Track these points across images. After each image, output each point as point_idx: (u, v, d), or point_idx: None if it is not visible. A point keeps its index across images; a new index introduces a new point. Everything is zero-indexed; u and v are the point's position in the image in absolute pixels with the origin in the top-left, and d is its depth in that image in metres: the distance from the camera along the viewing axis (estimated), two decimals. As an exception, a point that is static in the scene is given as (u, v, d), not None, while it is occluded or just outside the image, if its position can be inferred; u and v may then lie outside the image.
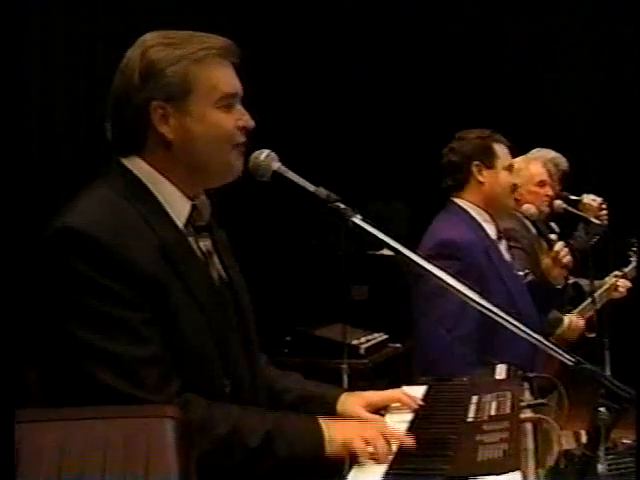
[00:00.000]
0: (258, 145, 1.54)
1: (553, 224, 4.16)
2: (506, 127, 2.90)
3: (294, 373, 1.80)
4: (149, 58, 1.45)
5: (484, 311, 1.36)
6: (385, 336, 4.21)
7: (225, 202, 1.58)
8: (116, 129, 1.49)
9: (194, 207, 1.52)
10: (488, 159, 2.74)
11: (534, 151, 4.03)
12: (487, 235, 2.70)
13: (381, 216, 5.30)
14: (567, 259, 2.90)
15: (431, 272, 1.39)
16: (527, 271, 3.32)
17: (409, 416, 1.61)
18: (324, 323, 4.13)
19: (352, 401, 1.67)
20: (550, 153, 4.04)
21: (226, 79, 1.50)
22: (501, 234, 2.78)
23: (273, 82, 4.58)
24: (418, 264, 1.40)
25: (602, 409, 1.26)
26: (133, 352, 1.30)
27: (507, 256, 2.78)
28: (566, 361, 1.27)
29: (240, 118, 1.51)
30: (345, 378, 3.43)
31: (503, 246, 2.78)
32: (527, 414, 1.56)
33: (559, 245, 2.90)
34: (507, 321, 1.33)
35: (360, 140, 5.30)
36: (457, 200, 2.74)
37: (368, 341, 4.03)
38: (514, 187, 2.78)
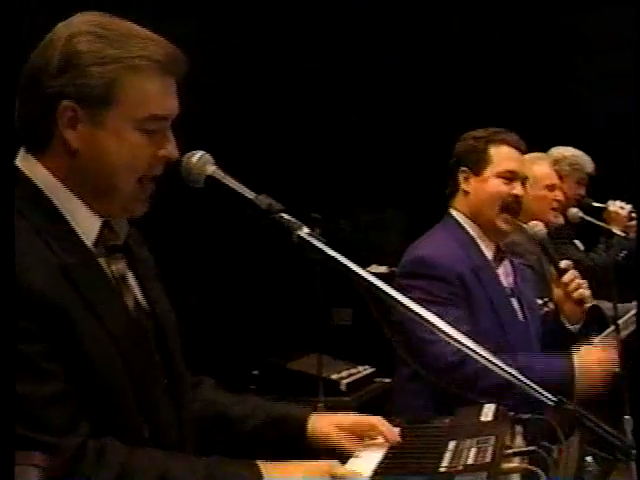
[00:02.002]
0: (248, 151, 1.55)
1: (578, 242, 4.19)
2: (525, 125, 2.91)
3: (251, 396, 1.84)
4: (74, 46, 1.42)
5: (448, 339, 1.38)
6: (371, 369, 4.22)
7: (176, 213, 1.59)
8: (20, 118, 1.47)
9: (106, 225, 1.52)
10: (477, 165, 2.72)
11: (553, 149, 4.09)
12: (482, 254, 2.71)
13: (372, 227, 5.37)
14: (579, 293, 2.78)
15: (390, 296, 1.41)
16: (546, 299, 3.31)
17: (377, 459, 1.64)
18: (299, 354, 4.14)
19: (323, 422, 1.72)
20: (568, 151, 4.08)
21: (160, 98, 1.47)
22: (502, 254, 2.77)
23: (259, 84, 4.79)
24: (376, 287, 1.42)
25: (589, 459, 1.28)
26: (34, 390, 1.31)
27: (508, 280, 2.77)
28: (545, 400, 1.30)
29: (163, 146, 1.50)
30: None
31: (503, 268, 2.76)
32: (513, 463, 1.59)
33: (569, 275, 2.78)
34: (476, 352, 1.35)
35: (348, 142, 5.41)
36: (452, 211, 2.78)
37: (351, 375, 4.04)
38: (512, 200, 2.68)
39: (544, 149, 4.05)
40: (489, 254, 2.73)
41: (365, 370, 4.21)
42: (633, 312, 3.65)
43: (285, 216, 1.44)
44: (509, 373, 1.34)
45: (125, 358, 1.44)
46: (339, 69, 5.33)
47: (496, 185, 2.70)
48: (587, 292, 2.73)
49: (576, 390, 3.15)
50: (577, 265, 3.75)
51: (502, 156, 2.72)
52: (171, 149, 1.50)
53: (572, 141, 4.25)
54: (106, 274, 1.51)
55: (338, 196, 5.24)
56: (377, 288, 1.42)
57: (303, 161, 5.08)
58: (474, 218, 2.71)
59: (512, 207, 2.70)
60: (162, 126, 1.50)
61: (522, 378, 1.32)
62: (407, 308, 1.40)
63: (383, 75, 5.48)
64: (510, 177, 2.71)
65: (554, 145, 4.18)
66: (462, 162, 2.74)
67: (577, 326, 2.76)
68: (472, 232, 2.71)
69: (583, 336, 3.47)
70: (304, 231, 1.44)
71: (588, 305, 3.54)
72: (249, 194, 1.47)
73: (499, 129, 2.78)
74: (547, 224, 3.57)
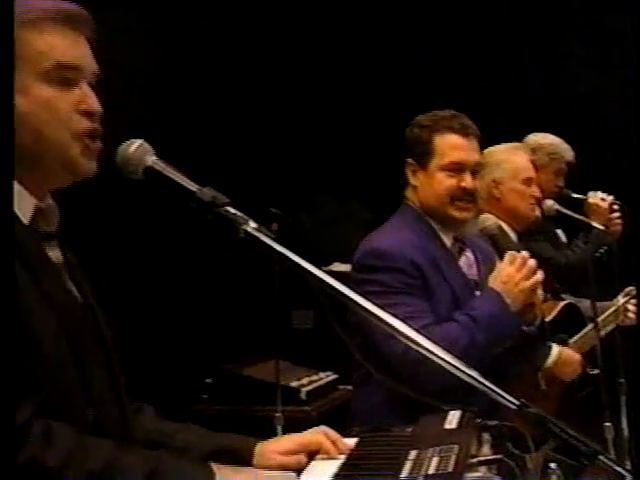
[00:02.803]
0: (202, 143, 1.56)
1: (559, 231, 4.25)
2: (500, 111, 2.91)
3: (192, 425, 1.85)
4: None
5: (401, 338, 1.43)
6: (334, 376, 4.26)
7: (117, 209, 1.60)
8: None
9: (39, 210, 1.55)
10: (422, 157, 2.73)
11: (529, 137, 4.12)
12: (442, 244, 2.75)
13: (335, 221, 5.40)
14: (525, 285, 2.63)
15: (346, 297, 1.43)
16: None
17: (333, 469, 1.67)
18: (256, 360, 4.17)
19: (268, 450, 1.75)
20: (546, 139, 4.11)
21: (63, 46, 1.51)
22: (463, 244, 2.81)
23: (215, 72, 4.86)
24: (331, 287, 1.43)
25: (552, 465, 1.31)
26: None
27: (470, 271, 2.80)
28: (507, 404, 1.33)
29: (82, 100, 1.52)
30: (279, 430, 3.47)
31: (465, 259, 2.80)
32: (477, 473, 1.62)
33: (508, 258, 2.66)
34: (430, 351, 1.38)
35: (309, 131, 5.45)
36: (408, 202, 2.81)
37: (312, 382, 4.08)
38: (461, 193, 2.67)
39: (521, 136, 4.09)
40: (449, 245, 2.76)
41: (327, 377, 4.25)
42: (612, 310, 3.75)
43: (230, 210, 1.45)
44: (469, 375, 1.36)
45: (70, 339, 1.46)
46: (307, 54, 5.42)
47: (442, 180, 2.71)
48: (538, 292, 2.70)
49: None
50: (546, 263, 3.83)
51: (447, 146, 2.71)
52: (91, 102, 1.52)
53: (550, 127, 4.30)
54: (47, 254, 1.54)
55: (298, 188, 5.28)
56: (332, 288, 1.42)
57: (260, 152, 5.10)
58: (427, 211, 2.74)
59: (464, 199, 2.71)
60: (76, 77, 1.52)
61: (483, 380, 1.34)
62: (364, 309, 1.41)
63: (349, 60, 5.58)
64: (457, 168, 2.71)
65: (532, 131, 4.22)
66: (408, 154, 2.76)
67: (532, 328, 2.71)
68: (430, 222, 2.74)
69: (557, 334, 3.59)
70: (251, 226, 1.44)
71: (564, 303, 3.66)
72: (192, 186, 1.48)
73: (446, 113, 2.76)
74: (526, 219, 3.66)
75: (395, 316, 2.38)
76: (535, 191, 3.65)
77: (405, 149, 2.78)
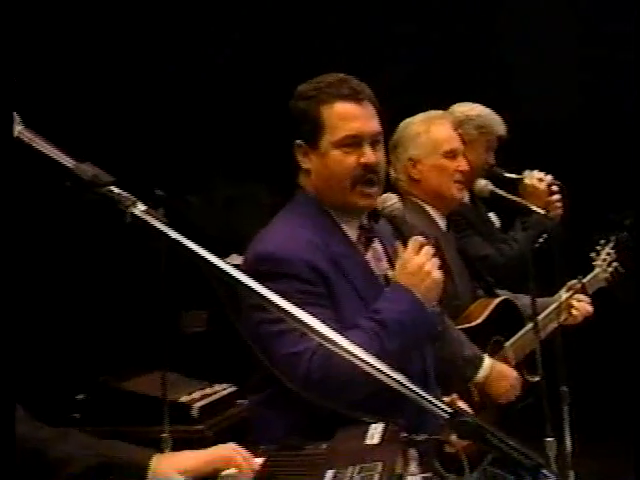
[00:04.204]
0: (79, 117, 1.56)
1: (492, 214, 4.30)
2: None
3: (75, 431, 1.86)
4: None
5: (323, 341, 1.48)
6: (232, 389, 4.26)
7: None
8: None
9: None
10: (312, 135, 2.68)
11: (454, 107, 4.16)
12: (344, 237, 2.71)
13: (230, 205, 5.41)
14: (438, 275, 2.64)
15: (254, 291, 1.46)
16: None
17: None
18: (138, 371, 4.14)
19: (166, 466, 1.77)
20: (474, 110, 4.14)
21: None
22: (369, 234, 2.78)
23: (94, 52, 4.99)
24: (236, 280, 1.46)
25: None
26: None
27: (379, 266, 2.77)
28: (439, 413, 1.37)
29: None
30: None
31: (373, 252, 2.77)
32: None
33: (412, 245, 2.64)
34: (353, 354, 1.41)
35: (199, 105, 5.54)
36: (301, 190, 2.76)
37: (205, 397, 4.08)
38: (363, 172, 2.63)
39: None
40: (353, 236, 2.74)
41: (224, 390, 4.25)
42: (554, 307, 3.82)
43: (115, 190, 1.45)
44: (394, 379, 1.39)
45: None
46: (198, 32, 5.61)
47: (338, 159, 2.66)
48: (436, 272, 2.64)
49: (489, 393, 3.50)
50: (482, 262, 3.91)
51: (337, 118, 2.66)
52: None
53: (480, 98, 4.38)
54: None
55: (187, 168, 5.28)
56: (237, 281, 1.45)
57: (141, 127, 5.09)
58: (325, 198, 2.70)
59: (368, 179, 2.67)
60: None
61: (412, 386, 1.38)
62: (277, 307, 1.43)
63: (241, 32, 5.82)
64: (353, 143, 2.66)
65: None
66: (296, 133, 2.72)
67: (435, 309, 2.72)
68: (329, 211, 2.71)
69: (491, 336, 3.66)
70: (140, 208, 1.45)
71: (499, 300, 3.73)
72: (67, 162, 1.47)
73: (331, 78, 2.71)
74: (452, 200, 3.71)
75: (289, 331, 2.43)
76: (461, 165, 3.69)
77: (291, 128, 2.73)
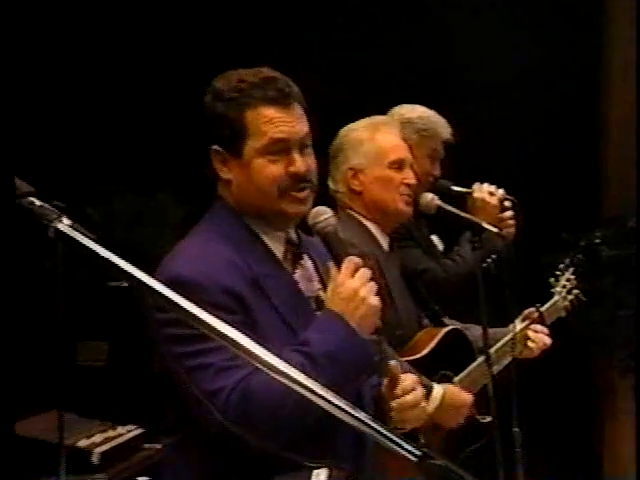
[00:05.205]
0: None
1: (435, 237, 4.28)
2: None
3: None
4: None
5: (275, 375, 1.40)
6: (138, 430, 4.20)
7: None
8: None
9: None
10: (233, 142, 2.63)
11: (394, 110, 4.14)
12: (268, 254, 2.67)
13: (136, 219, 5.37)
14: (375, 302, 2.57)
15: (197, 317, 1.50)
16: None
17: None
18: (27, 411, 4.06)
19: None
20: (414, 112, 4.13)
21: None
22: (298, 249, 2.73)
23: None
24: (173, 303, 1.42)
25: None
26: None
27: (310, 287, 2.72)
28: (407, 455, 1.34)
29: None
30: (64, 508, 3.40)
31: (302, 271, 2.72)
32: None
33: (347, 266, 2.58)
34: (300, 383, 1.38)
35: (104, 110, 5.61)
36: (221, 200, 2.71)
37: (107, 441, 4.00)
38: (290, 182, 2.59)
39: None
40: (279, 253, 2.69)
41: (128, 432, 4.17)
42: (508, 338, 3.83)
43: (36, 202, 1.43)
44: (354, 416, 1.36)
45: None
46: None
47: (263, 167, 2.61)
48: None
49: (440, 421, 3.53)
50: (420, 276, 3.90)
51: (262, 122, 2.63)
52: None
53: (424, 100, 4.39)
54: None
55: (87, 176, 5.24)
56: (175, 305, 1.55)
57: (42, 132, 5.07)
58: (247, 211, 2.66)
59: (299, 188, 2.63)
60: None
61: (373, 424, 1.35)
62: (216, 332, 1.39)
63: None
64: (281, 149, 2.62)
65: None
66: (212, 139, 2.67)
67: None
68: (253, 224, 2.66)
69: (438, 370, 3.66)
70: (65, 223, 1.48)
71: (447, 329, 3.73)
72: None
73: (254, 77, 2.65)
74: (398, 216, 3.70)
75: (206, 367, 2.42)
76: (408, 177, 3.68)
77: (206, 132, 2.69)
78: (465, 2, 6.62)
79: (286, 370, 1.47)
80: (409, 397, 2.67)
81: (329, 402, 1.43)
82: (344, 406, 1.41)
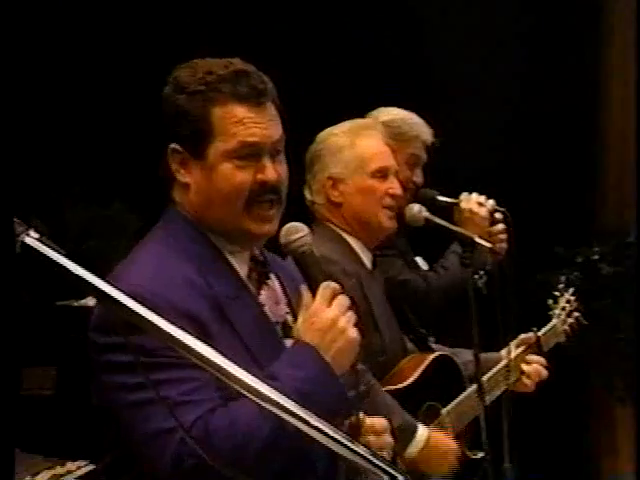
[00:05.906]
0: None
1: (419, 259, 4.26)
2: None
3: None
4: None
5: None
6: (90, 466, 4.16)
7: None
8: None
9: None
10: (196, 141, 2.54)
11: (372, 113, 4.11)
12: (232, 274, 2.58)
13: (87, 230, 5.34)
14: (353, 335, 2.49)
15: (175, 338, 1.56)
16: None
17: None
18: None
19: None
20: (389, 115, 4.07)
21: None
22: (264, 269, 2.66)
23: None
24: (147, 321, 1.54)
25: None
26: None
27: (277, 311, 2.64)
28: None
29: None
30: None
31: (268, 292, 2.65)
32: None
33: (323, 293, 2.49)
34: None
35: (59, 118, 5.64)
36: (176, 208, 2.61)
37: (55, 478, 3.96)
38: (260, 191, 2.51)
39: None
40: (242, 271, 2.61)
41: (78, 469, 4.13)
42: (501, 365, 3.80)
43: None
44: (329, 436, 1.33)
45: None
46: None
47: (229, 173, 2.52)
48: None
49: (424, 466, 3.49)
50: (401, 289, 3.87)
51: (231, 122, 2.55)
52: None
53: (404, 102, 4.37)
54: None
55: (33, 184, 5.21)
56: (149, 324, 1.57)
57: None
58: (206, 222, 2.57)
59: (267, 199, 2.56)
60: None
61: (350, 444, 1.31)
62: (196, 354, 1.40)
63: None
64: (251, 154, 2.54)
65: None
66: (171, 135, 2.57)
67: (352, 393, 2.54)
68: (214, 237, 2.57)
69: (425, 400, 3.62)
70: (33, 236, 1.47)
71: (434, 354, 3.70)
72: None
73: (224, 70, 2.56)
74: (380, 230, 3.66)
75: (159, 402, 2.33)
76: (393, 187, 3.66)
77: (165, 128, 2.59)
78: (459, 4, 6.67)
79: (272, 395, 1.44)
80: (371, 438, 2.61)
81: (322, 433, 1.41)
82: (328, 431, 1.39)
